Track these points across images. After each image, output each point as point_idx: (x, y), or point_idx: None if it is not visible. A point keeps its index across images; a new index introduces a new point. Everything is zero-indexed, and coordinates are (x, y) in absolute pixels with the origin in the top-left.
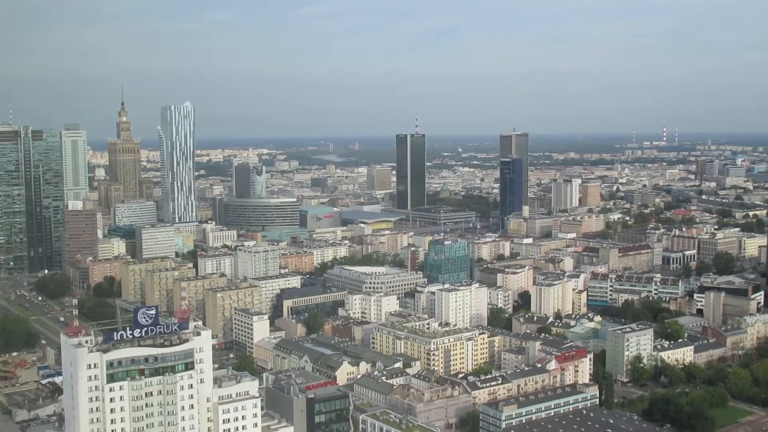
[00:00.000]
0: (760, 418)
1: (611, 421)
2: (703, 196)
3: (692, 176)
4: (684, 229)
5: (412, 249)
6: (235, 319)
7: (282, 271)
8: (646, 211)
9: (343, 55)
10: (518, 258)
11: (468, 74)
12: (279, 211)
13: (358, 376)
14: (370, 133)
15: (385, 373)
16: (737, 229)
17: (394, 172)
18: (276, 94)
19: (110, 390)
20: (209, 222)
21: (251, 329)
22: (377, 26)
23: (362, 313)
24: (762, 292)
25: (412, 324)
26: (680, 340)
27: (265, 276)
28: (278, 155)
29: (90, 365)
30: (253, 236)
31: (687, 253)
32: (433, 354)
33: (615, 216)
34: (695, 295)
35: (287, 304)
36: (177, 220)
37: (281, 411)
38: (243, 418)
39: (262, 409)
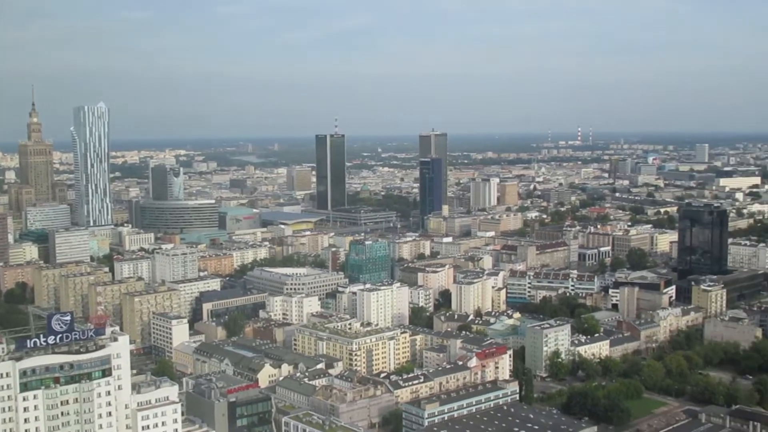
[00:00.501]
0: (673, 408)
1: (531, 415)
2: (617, 194)
3: (606, 174)
4: (599, 227)
5: (333, 249)
6: (153, 324)
7: (201, 273)
8: (562, 209)
9: (260, 54)
10: (438, 257)
11: (387, 74)
12: (197, 213)
13: (280, 378)
14: (290, 134)
15: (307, 374)
16: (649, 225)
17: (314, 172)
18: (194, 95)
19: (24, 399)
20: (125, 225)
21: (170, 334)
22: (293, 25)
23: (283, 314)
24: (673, 287)
25: (333, 325)
26: (596, 335)
27: (184, 279)
28: (196, 156)
29: (2, 374)
30: (171, 239)
31: (602, 249)
32: (356, 354)
33: (532, 214)
34: (610, 291)
35: (207, 307)
36: (92, 224)
37: (202, 416)
38: (163, 424)
39: (182, 414)
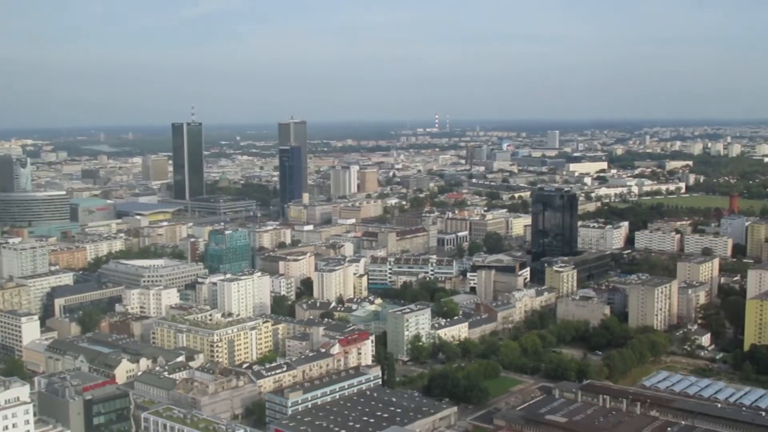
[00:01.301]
0: (529, 385)
1: (393, 399)
2: (474, 180)
3: (463, 161)
4: (457, 212)
5: (192, 240)
6: (1, 322)
7: (52, 268)
8: (421, 195)
9: (113, 40)
10: (299, 245)
11: (245, 62)
12: (47, 205)
13: (139, 373)
14: (145, 122)
15: (167, 368)
16: (505, 210)
17: (170, 161)
18: (41, 82)
19: None
20: None
21: (20, 331)
22: (147, 11)
23: (141, 308)
24: (528, 269)
25: (193, 316)
26: (456, 318)
27: (34, 274)
28: (45, 146)
29: None
30: (18, 233)
31: (460, 234)
32: (217, 345)
33: (392, 201)
34: (468, 274)
35: (59, 302)
36: None
37: (57, 415)
38: (14, 426)
39: (35, 414)
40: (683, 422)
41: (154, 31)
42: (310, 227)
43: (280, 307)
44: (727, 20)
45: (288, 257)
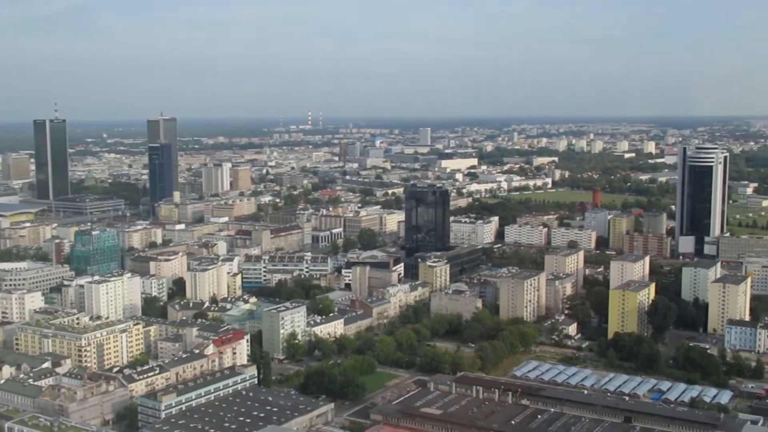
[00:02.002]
0: (405, 379)
1: (270, 398)
2: (347, 177)
3: (337, 158)
4: (331, 209)
5: (57, 241)
6: None
7: None
8: (295, 192)
9: None
10: (171, 245)
11: (110, 57)
12: None
13: (1, 381)
14: (3, 119)
15: (31, 375)
16: (378, 206)
17: (32, 160)
18: None
19: None
20: None
21: None
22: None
23: (2, 313)
24: (402, 264)
25: (60, 320)
26: (331, 315)
27: None
28: None
29: None
30: None
31: (334, 231)
32: (85, 350)
33: (266, 198)
34: (343, 271)
35: None
36: None
37: None
38: None
39: None
40: (552, 409)
41: (10, 23)
42: (182, 226)
43: (152, 309)
44: (592, 21)
45: (159, 257)
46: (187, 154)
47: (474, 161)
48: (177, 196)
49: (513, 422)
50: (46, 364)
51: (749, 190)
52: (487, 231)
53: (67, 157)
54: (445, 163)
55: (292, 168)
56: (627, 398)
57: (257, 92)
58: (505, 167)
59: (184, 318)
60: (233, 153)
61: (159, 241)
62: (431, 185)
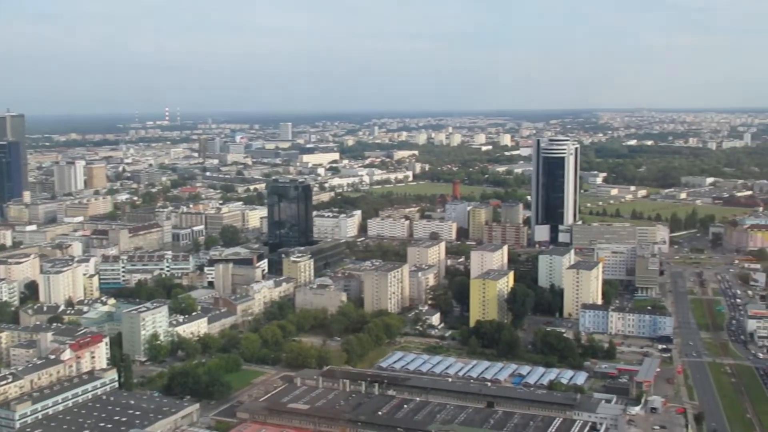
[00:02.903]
0: (271, 376)
1: (132, 402)
2: (207, 173)
3: (196, 154)
4: (191, 206)
5: None
6: None
7: None
8: (153, 190)
9: None
10: (22, 247)
11: None
12: None
13: None
14: None
15: None
16: (240, 202)
17: None
18: None
19: None
20: None
21: None
22: None
23: None
24: (266, 260)
25: None
26: (194, 314)
27: None
28: None
29: None
30: None
31: (195, 228)
32: None
33: (123, 197)
34: (206, 269)
35: None
36: None
37: None
38: None
39: None
40: (418, 399)
41: None
42: (33, 227)
43: (3, 314)
44: (449, 19)
45: (9, 260)
46: (38, 152)
47: (335, 156)
48: (27, 195)
49: (380, 413)
50: None
51: (599, 180)
52: (350, 225)
53: None
54: (306, 157)
55: (150, 165)
56: (489, 384)
57: (111, 88)
58: (367, 161)
59: (38, 323)
60: (87, 150)
61: (8, 243)
62: (293, 180)
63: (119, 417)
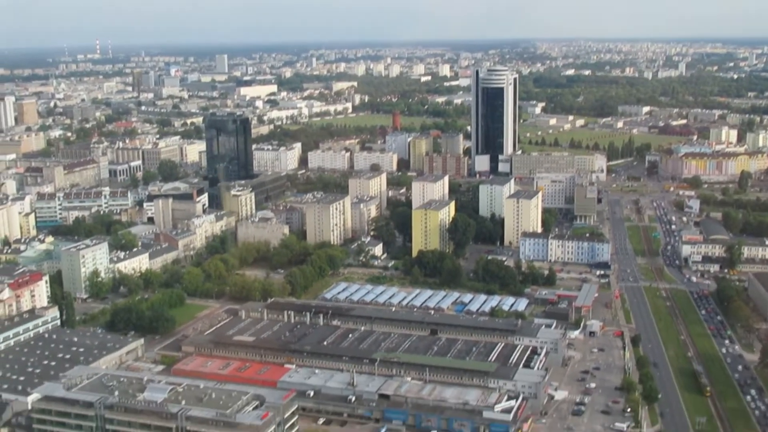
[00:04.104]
0: (215, 309)
1: (75, 339)
2: (143, 108)
3: (130, 88)
4: (127, 141)
5: None
6: None
7: None
8: (87, 125)
9: None
10: None
11: None
12: None
13: None
14: None
15: None
16: (178, 137)
17: None
18: None
19: None
20: None
21: None
22: None
23: None
24: (206, 194)
25: None
26: (135, 249)
27: None
28: None
29: None
30: None
31: (133, 164)
32: None
33: (56, 133)
34: (145, 204)
35: None
36: None
37: None
38: None
39: None
40: (363, 328)
41: None
42: None
43: None
44: None
45: None
46: None
47: (273, 88)
48: None
49: (325, 343)
50: None
51: (538, 110)
52: (290, 158)
53: None
54: (244, 90)
55: (83, 100)
56: (432, 312)
57: (37, 20)
58: (305, 93)
59: None
60: (16, 86)
61: None
62: (231, 113)
63: (63, 354)
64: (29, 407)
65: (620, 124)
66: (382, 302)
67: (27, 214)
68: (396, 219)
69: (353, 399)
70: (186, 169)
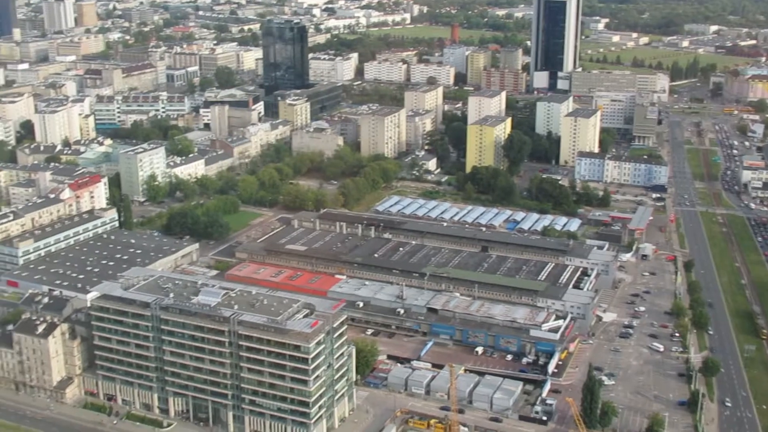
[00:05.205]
0: (268, 218)
1: (132, 240)
2: (200, 12)
3: None
4: (185, 46)
5: None
6: None
7: None
8: (145, 29)
9: None
10: (15, 86)
11: None
12: None
13: None
14: None
15: None
16: (235, 43)
17: None
18: None
19: None
20: None
21: None
22: None
23: None
24: (261, 103)
25: None
26: (191, 155)
27: None
28: None
29: None
30: None
31: (190, 69)
32: None
33: (115, 36)
34: (201, 110)
35: None
36: None
37: None
38: None
39: None
40: (413, 242)
41: None
42: (26, 66)
43: (0, 153)
44: None
45: (3, 99)
46: None
47: None
48: (17, 33)
49: (376, 255)
50: None
51: (601, 26)
52: (346, 68)
53: None
54: None
55: (141, 3)
56: (484, 229)
57: None
58: (364, 2)
59: (36, 162)
60: None
61: (1, 81)
62: (288, 21)
63: (120, 255)
64: (88, 305)
65: (686, 43)
66: (434, 217)
67: (86, 116)
68: (451, 134)
69: (402, 312)
70: (242, 76)
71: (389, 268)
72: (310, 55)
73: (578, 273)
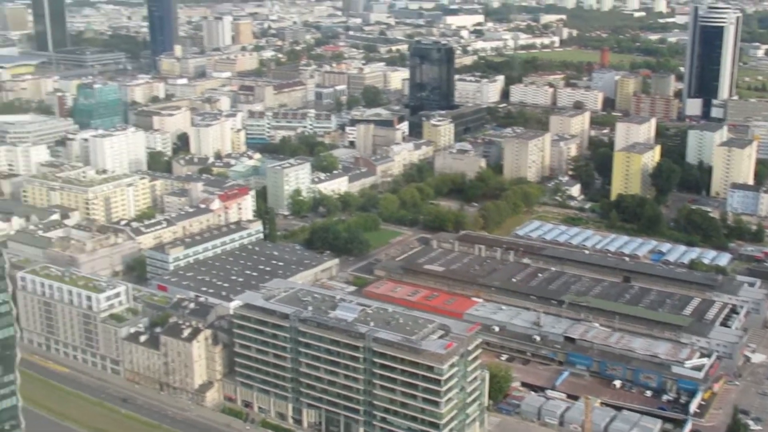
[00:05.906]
0: (408, 237)
1: (275, 253)
2: (350, 32)
3: (339, 12)
4: (334, 65)
5: (59, 94)
6: None
7: None
8: (297, 48)
9: None
10: (174, 99)
11: None
12: None
13: (12, 232)
14: None
15: (41, 226)
16: (382, 63)
17: (30, 10)
18: None
19: None
20: None
21: None
22: None
23: (9, 165)
24: (406, 122)
25: (66, 174)
26: (335, 172)
27: None
28: None
29: None
30: None
31: (338, 88)
32: (92, 203)
33: (268, 54)
34: (347, 128)
35: None
36: None
37: None
38: None
39: None
40: (553, 268)
41: None
42: (184, 81)
43: (157, 163)
44: None
45: (162, 112)
46: (187, 6)
47: (480, 18)
48: (178, 49)
49: (514, 280)
50: (55, 217)
51: (761, 53)
52: (492, 90)
53: (65, 7)
54: (450, 19)
55: (294, 22)
56: (627, 259)
57: None
58: (512, 24)
59: (189, 173)
60: (234, 5)
61: (161, 95)
62: (436, 42)
63: (264, 266)
64: (231, 312)
65: None
66: (575, 244)
67: (238, 131)
68: (597, 160)
69: (538, 339)
70: (389, 95)
71: (527, 294)
72: (457, 77)
73: (726, 310)
